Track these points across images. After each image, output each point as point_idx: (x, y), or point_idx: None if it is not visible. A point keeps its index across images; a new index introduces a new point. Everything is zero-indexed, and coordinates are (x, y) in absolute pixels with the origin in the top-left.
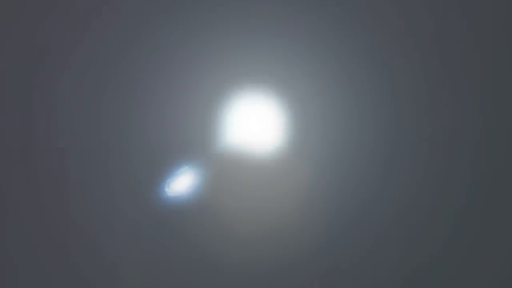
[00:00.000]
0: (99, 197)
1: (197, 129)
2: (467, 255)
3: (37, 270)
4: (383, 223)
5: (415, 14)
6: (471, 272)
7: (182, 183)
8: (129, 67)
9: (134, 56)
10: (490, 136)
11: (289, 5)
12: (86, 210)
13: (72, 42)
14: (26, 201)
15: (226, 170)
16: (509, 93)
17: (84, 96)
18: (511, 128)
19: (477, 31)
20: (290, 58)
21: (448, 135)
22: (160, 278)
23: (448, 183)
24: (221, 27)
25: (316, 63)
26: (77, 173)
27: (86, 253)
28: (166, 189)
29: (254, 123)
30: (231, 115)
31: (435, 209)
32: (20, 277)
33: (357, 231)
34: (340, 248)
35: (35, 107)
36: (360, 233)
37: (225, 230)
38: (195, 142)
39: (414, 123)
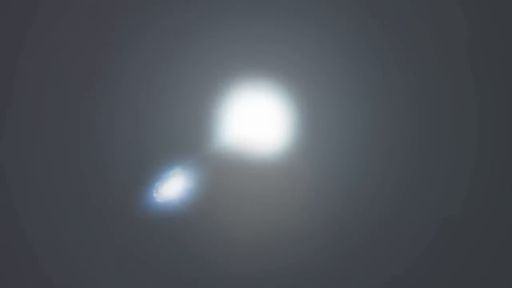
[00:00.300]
0: (79, 203)
1: (192, 125)
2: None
3: (18, 280)
4: (395, 230)
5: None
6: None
7: (173, 188)
8: (114, 55)
9: (119, 42)
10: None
11: None
12: (63, 220)
13: (61, 37)
14: (4, 205)
15: (223, 172)
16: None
17: (66, 92)
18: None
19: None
20: (296, 48)
21: (462, 137)
22: None
23: (460, 186)
24: (220, 12)
25: (326, 53)
26: (54, 175)
27: (66, 267)
28: (154, 194)
29: (256, 119)
30: (230, 110)
31: (445, 212)
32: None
33: (365, 238)
34: (346, 255)
35: (16, 103)
36: (368, 240)
37: (221, 242)
38: (189, 140)
39: (432, 126)
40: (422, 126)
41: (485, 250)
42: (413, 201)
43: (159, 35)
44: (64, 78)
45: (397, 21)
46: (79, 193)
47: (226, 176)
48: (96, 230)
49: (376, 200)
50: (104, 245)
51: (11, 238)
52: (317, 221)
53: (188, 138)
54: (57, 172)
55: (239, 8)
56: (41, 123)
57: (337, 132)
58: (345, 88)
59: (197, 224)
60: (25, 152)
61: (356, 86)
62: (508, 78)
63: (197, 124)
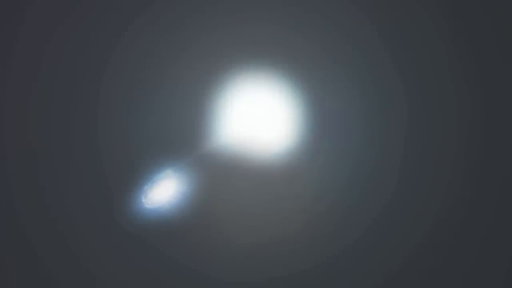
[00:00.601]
0: (59, 210)
1: (186, 121)
2: None
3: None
4: (406, 236)
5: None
6: None
7: (164, 192)
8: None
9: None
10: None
11: None
12: (40, 229)
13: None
14: None
15: (221, 175)
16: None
17: (45, 87)
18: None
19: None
20: (303, 38)
21: (472, 137)
22: None
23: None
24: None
25: (337, 45)
26: (32, 177)
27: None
28: (143, 200)
29: (258, 116)
30: (229, 106)
31: (457, 218)
32: None
33: (373, 246)
34: (352, 263)
35: None
36: (376, 248)
37: (218, 253)
38: (182, 138)
39: (445, 127)
40: (438, 127)
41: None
42: (426, 206)
43: (152, 26)
44: (52, 74)
45: (411, 19)
46: (62, 198)
47: (224, 179)
48: (76, 239)
49: (389, 208)
50: (86, 256)
51: None
52: (324, 228)
53: (181, 135)
54: (41, 178)
55: None
56: (24, 118)
57: (348, 132)
58: (358, 84)
59: (191, 233)
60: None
61: (370, 82)
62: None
63: (192, 120)
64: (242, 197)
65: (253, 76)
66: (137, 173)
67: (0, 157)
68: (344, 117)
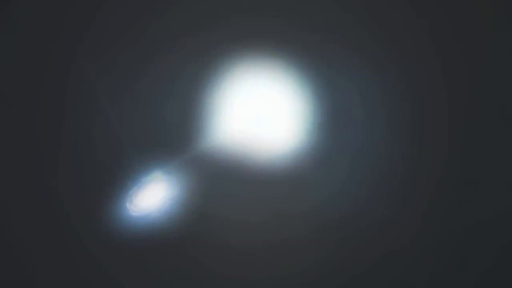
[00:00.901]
0: (36, 217)
1: (179, 117)
2: None
3: None
4: (417, 244)
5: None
6: None
7: (151, 197)
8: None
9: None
10: None
11: None
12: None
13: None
14: None
15: (217, 178)
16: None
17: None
18: None
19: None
20: (313, 25)
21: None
22: None
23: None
24: None
25: (350, 33)
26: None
27: None
28: (128, 205)
29: (259, 112)
30: (227, 100)
31: (472, 228)
32: None
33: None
34: (359, 269)
35: None
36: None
37: (213, 264)
38: (175, 136)
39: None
40: (455, 129)
41: None
42: (441, 212)
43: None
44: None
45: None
46: (39, 202)
47: (221, 183)
48: (55, 251)
49: (404, 213)
50: (66, 269)
51: None
52: (333, 240)
53: (173, 133)
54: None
55: None
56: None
57: (361, 132)
58: (373, 79)
59: (182, 244)
60: None
61: (386, 76)
62: None
63: (185, 116)
64: (242, 204)
65: (256, 68)
66: (122, 175)
67: None
68: (357, 114)
